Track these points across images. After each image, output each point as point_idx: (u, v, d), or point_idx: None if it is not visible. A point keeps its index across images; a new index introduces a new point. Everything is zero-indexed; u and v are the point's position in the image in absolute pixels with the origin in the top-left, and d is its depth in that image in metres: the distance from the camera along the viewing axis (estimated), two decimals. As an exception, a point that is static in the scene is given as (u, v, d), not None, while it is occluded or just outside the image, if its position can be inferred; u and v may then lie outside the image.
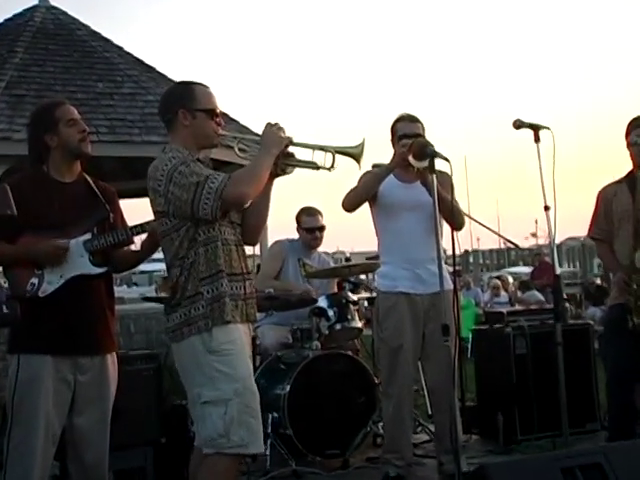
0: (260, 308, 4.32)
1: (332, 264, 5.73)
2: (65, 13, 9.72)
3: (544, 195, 3.49)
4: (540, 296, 11.29)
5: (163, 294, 6.17)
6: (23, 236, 3.07)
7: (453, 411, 3.73)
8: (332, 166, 3.00)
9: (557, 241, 4.03)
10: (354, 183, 4.21)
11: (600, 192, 4.15)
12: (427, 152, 3.65)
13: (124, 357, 4.06)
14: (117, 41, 9.67)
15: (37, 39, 8.99)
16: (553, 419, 4.05)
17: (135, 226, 3.21)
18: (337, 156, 3.00)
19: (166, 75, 9.39)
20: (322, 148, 3.01)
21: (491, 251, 31.77)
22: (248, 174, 2.91)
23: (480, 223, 5.46)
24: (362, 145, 3.03)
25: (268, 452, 4.32)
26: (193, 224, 2.87)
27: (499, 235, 7.81)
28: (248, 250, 3.17)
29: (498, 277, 15.31)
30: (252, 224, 3.10)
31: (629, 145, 4.02)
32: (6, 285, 3.09)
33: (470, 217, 4.64)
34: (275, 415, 4.53)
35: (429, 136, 4.12)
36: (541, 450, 4.66)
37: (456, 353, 3.44)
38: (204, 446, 2.84)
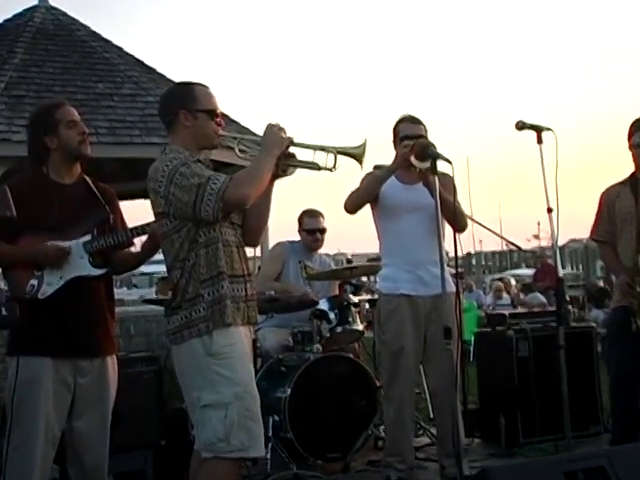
0: (261, 310, 4.29)
1: (333, 266, 5.72)
2: (65, 13, 9.73)
3: (547, 197, 3.45)
4: (543, 298, 11.27)
5: (162, 296, 6.14)
6: (23, 237, 3.06)
7: (455, 414, 3.71)
8: (334, 167, 2.98)
9: (559, 243, 4.01)
10: (356, 184, 4.20)
11: (603, 194, 4.13)
12: (429, 153, 3.65)
13: (124, 359, 4.06)
14: (117, 42, 9.71)
15: (37, 40, 9.00)
16: (556, 422, 4.01)
17: (135, 227, 3.19)
18: (339, 157, 2.98)
19: (166, 76, 9.38)
20: (323, 149, 2.98)
21: (493, 253, 31.71)
22: (250, 175, 2.90)
23: (482, 225, 5.47)
24: (364, 145, 3.01)
25: (269, 455, 4.29)
26: (194, 225, 2.85)
27: (501, 237, 7.81)
28: (249, 252, 3.15)
29: (500, 279, 15.27)
30: (253, 225, 3.08)
31: (632, 147, 3.99)
32: (5, 287, 3.08)
33: (472, 219, 4.64)
34: (276, 418, 4.50)
35: (431, 137, 4.10)
36: (544, 453, 4.66)
37: (458, 356, 3.42)
38: (203, 450, 2.82)
